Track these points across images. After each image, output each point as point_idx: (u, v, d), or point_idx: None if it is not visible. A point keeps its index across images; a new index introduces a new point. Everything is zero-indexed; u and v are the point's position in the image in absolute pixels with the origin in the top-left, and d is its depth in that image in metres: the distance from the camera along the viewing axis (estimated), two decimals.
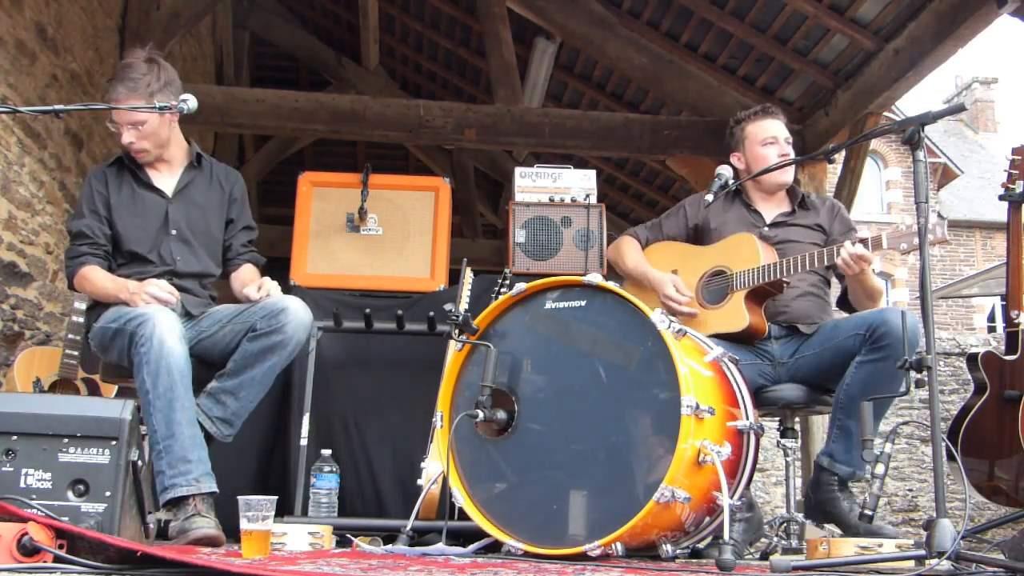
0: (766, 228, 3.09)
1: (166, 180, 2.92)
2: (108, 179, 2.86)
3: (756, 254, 2.94)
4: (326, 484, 3.05)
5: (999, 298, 15.01)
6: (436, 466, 2.68)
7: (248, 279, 2.94)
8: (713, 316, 3.00)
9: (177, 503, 2.37)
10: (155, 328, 2.45)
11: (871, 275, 2.92)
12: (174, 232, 2.86)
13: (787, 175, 3.15)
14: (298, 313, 2.67)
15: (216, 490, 2.42)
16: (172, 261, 2.84)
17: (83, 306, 3.84)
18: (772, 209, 3.17)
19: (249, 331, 2.66)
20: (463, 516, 2.46)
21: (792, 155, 3.13)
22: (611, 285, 2.38)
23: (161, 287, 2.67)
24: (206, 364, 2.70)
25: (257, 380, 2.65)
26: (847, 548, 2.38)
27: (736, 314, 2.93)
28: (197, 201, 2.94)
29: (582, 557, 2.18)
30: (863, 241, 2.80)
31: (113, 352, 2.66)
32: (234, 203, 3.03)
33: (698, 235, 3.22)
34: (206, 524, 2.30)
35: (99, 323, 2.71)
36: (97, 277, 2.76)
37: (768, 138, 3.14)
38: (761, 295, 2.96)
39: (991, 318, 18.09)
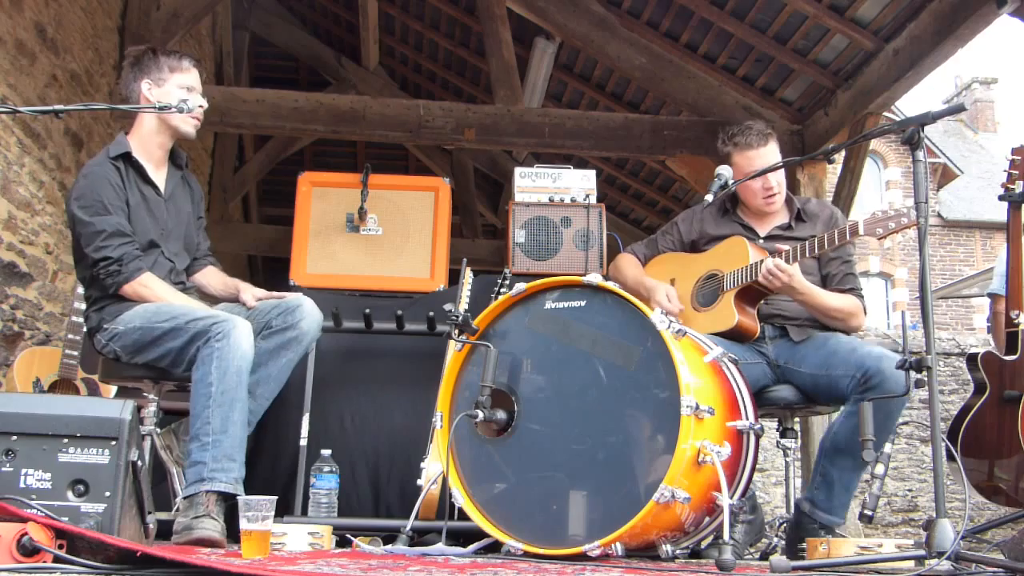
0: (761, 242, 3.07)
1: (158, 177, 2.90)
2: (122, 175, 2.76)
3: (746, 255, 2.94)
4: (326, 484, 3.05)
5: None
6: (436, 466, 2.68)
7: (220, 281, 2.99)
8: (705, 317, 3.01)
9: (194, 498, 2.37)
10: (233, 328, 2.50)
11: (819, 295, 2.89)
12: (164, 230, 2.86)
13: (772, 206, 3.09)
14: (312, 310, 2.75)
15: (244, 496, 2.41)
16: (172, 259, 2.85)
17: (83, 306, 3.84)
18: (768, 223, 3.15)
19: (264, 329, 2.69)
20: (463, 516, 2.46)
21: (778, 189, 3.05)
22: (611, 285, 2.38)
23: None
24: None
25: (273, 377, 2.68)
26: (847, 548, 2.38)
27: (725, 313, 2.94)
28: (181, 201, 2.96)
29: (582, 557, 2.18)
30: (785, 254, 2.80)
31: (154, 351, 2.61)
32: (200, 203, 3.08)
33: (694, 251, 3.22)
34: (212, 526, 2.31)
35: (136, 323, 2.62)
36: (159, 288, 2.71)
37: (753, 171, 2.91)
38: (752, 295, 2.96)
39: (991, 318, 18.06)
